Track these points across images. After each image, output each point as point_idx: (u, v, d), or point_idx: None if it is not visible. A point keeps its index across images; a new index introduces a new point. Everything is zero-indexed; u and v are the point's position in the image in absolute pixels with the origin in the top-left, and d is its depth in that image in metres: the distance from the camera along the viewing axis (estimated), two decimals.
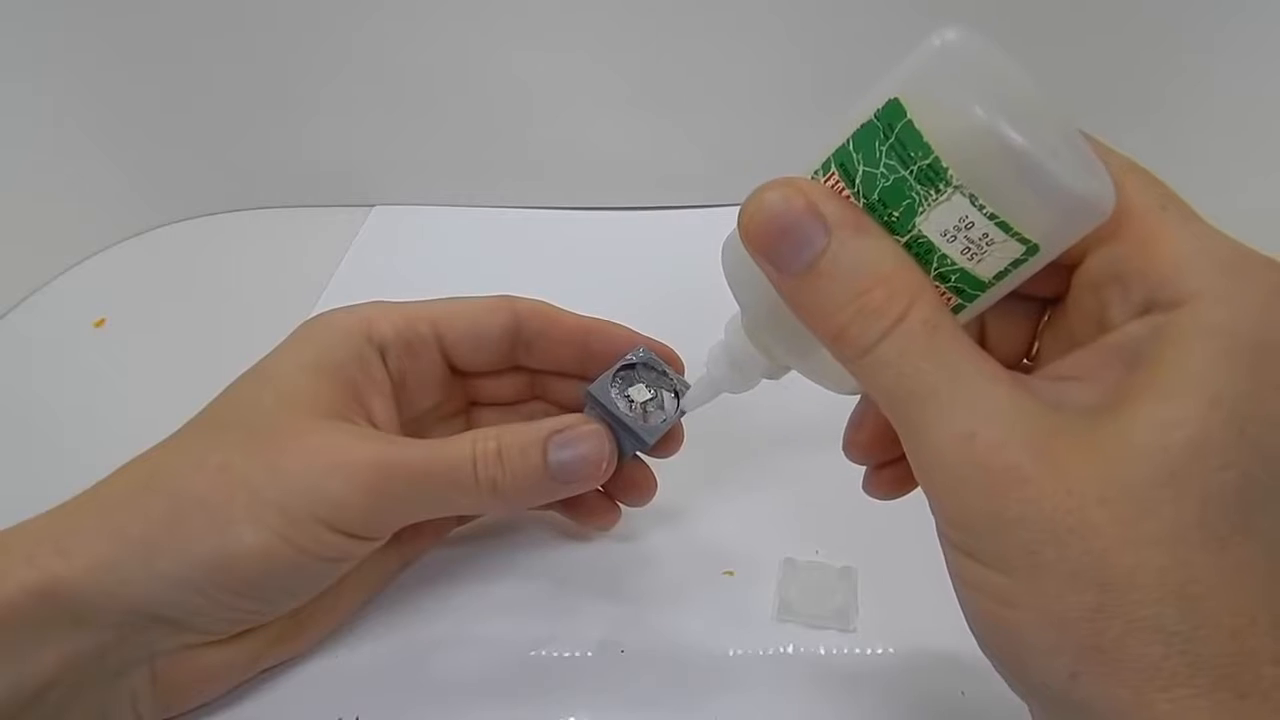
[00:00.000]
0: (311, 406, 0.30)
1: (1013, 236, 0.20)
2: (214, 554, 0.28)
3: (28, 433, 0.45)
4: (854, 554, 0.36)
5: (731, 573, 0.37)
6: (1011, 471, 0.19)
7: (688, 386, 0.33)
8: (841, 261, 0.20)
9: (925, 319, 0.20)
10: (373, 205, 0.59)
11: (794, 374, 0.28)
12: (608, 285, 0.45)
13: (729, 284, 0.25)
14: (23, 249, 0.53)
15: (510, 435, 0.31)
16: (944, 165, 0.20)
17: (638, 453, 0.34)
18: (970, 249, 0.20)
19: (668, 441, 0.35)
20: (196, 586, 0.28)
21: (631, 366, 0.34)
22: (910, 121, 0.20)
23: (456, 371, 0.36)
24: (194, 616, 0.29)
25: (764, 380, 0.29)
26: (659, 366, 0.34)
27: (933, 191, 0.20)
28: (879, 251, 0.21)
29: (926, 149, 0.20)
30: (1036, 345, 0.25)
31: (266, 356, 0.32)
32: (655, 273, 0.50)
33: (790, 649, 0.34)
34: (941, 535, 0.21)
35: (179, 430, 0.31)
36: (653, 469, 0.36)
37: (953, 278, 0.21)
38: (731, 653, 0.34)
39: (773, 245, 0.21)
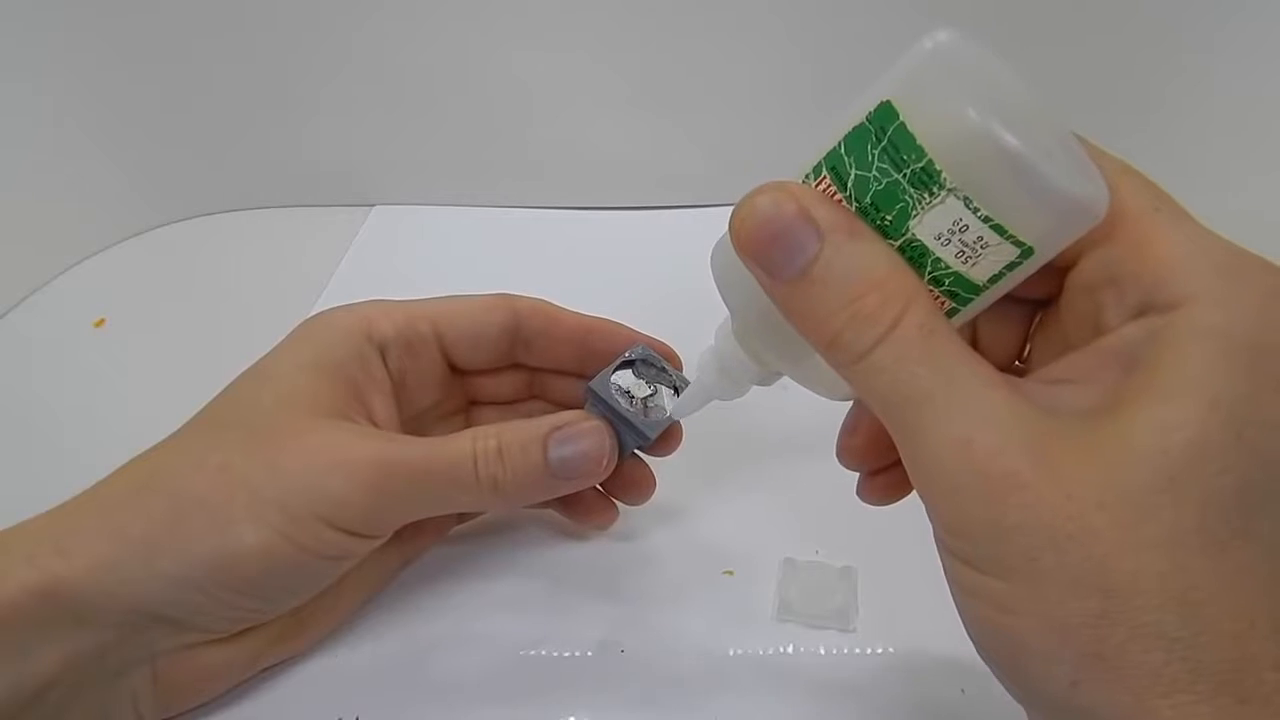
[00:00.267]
0: (312, 405, 0.30)
1: (1007, 239, 0.20)
2: (215, 553, 0.28)
3: (28, 433, 0.45)
4: (854, 554, 0.36)
5: (731, 573, 0.37)
6: (1010, 477, 0.19)
7: (687, 382, 0.33)
8: (835, 267, 0.20)
9: (920, 324, 0.20)
10: (373, 205, 0.59)
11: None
12: (607, 285, 0.45)
13: (718, 289, 0.25)
14: (23, 249, 0.53)
15: (511, 432, 0.31)
16: (938, 168, 0.20)
17: (636, 451, 0.34)
18: (964, 252, 0.20)
19: (667, 440, 0.35)
20: (197, 586, 0.28)
21: (631, 363, 0.34)
22: (903, 124, 0.20)
23: (456, 370, 0.36)
24: (195, 616, 0.29)
25: (755, 387, 0.29)
26: (658, 363, 0.34)
27: (926, 195, 0.20)
28: (872, 256, 0.20)
29: (920, 152, 0.20)
30: (1028, 348, 0.25)
31: (266, 356, 0.32)
32: (655, 272, 0.50)
33: (790, 649, 0.34)
34: (939, 541, 0.21)
35: (179, 430, 0.31)
36: (652, 468, 0.36)
37: (947, 281, 0.21)
38: (731, 653, 0.34)
39: (764, 251, 0.21)
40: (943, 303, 0.21)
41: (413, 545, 0.36)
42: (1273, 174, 0.50)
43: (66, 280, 0.55)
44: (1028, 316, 0.25)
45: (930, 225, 0.20)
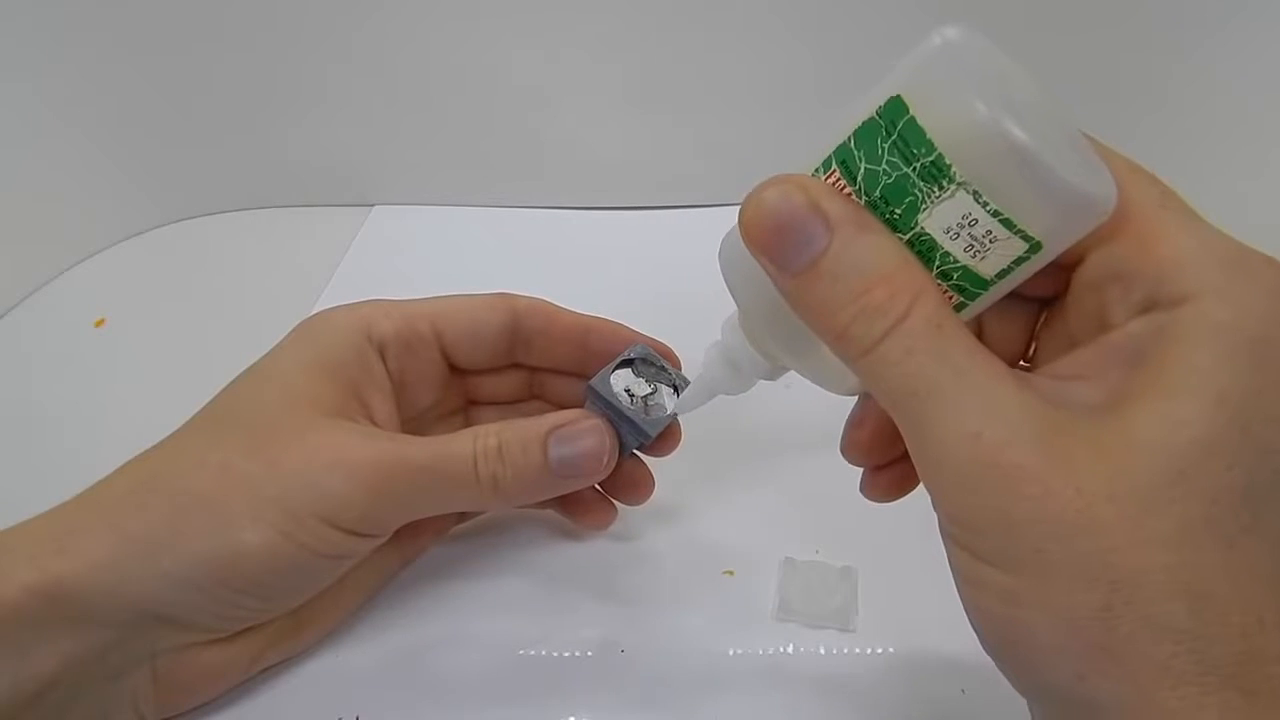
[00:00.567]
0: (312, 404, 0.30)
1: (1016, 234, 0.20)
2: (216, 552, 0.28)
3: (28, 433, 0.45)
4: (854, 554, 0.36)
5: (731, 572, 0.37)
6: (1019, 470, 0.19)
7: (687, 382, 0.33)
8: (844, 260, 0.20)
9: (929, 317, 0.20)
10: (372, 205, 0.59)
11: (794, 373, 0.27)
12: (607, 285, 0.45)
13: (726, 283, 0.25)
14: (23, 249, 0.53)
15: (511, 431, 0.31)
16: (947, 162, 0.20)
17: (635, 451, 0.34)
18: (973, 246, 0.20)
19: (666, 440, 0.35)
20: (198, 585, 0.28)
21: (631, 362, 0.34)
22: (913, 118, 0.20)
23: (455, 370, 0.36)
24: (195, 615, 0.29)
25: (761, 381, 0.29)
26: (658, 362, 0.34)
27: (936, 189, 0.20)
28: (881, 249, 0.20)
29: (930, 146, 0.20)
30: (1034, 346, 0.25)
31: (266, 355, 0.33)
32: (655, 273, 0.50)
33: (790, 649, 0.34)
34: (945, 534, 0.21)
35: (179, 429, 0.31)
36: (651, 468, 0.36)
37: (955, 275, 0.21)
38: (731, 653, 0.34)
39: (774, 243, 0.21)
40: (951, 297, 0.21)
41: (412, 545, 0.36)
42: (1272, 174, 0.50)
43: (66, 280, 0.55)
44: (1033, 314, 0.25)
45: (939, 219, 0.20)
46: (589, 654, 0.34)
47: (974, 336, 0.21)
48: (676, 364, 0.35)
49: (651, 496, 0.36)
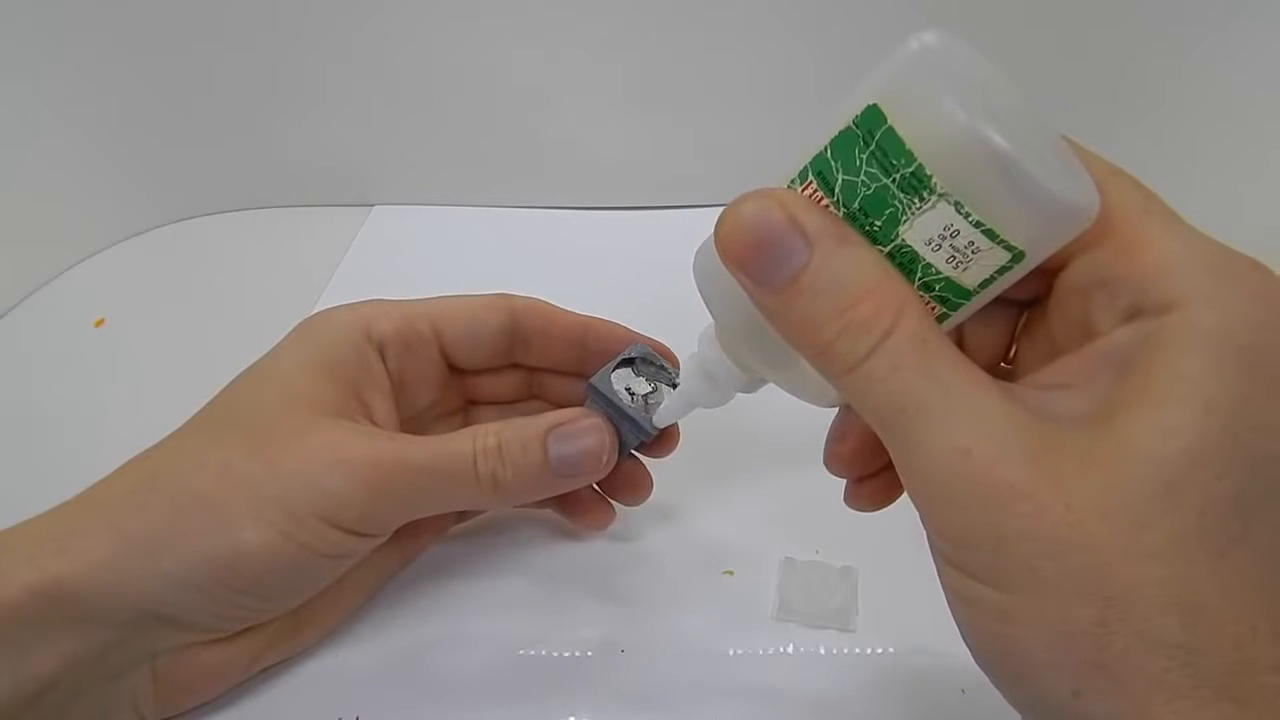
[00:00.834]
0: (312, 404, 0.30)
1: (998, 244, 0.20)
2: (216, 552, 0.28)
3: (28, 433, 0.45)
4: (854, 554, 0.36)
5: (731, 572, 0.37)
6: (1010, 487, 0.19)
7: None
8: (824, 275, 0.20)
9: (914, 332, 0.20)
10: (372, 205, 0.59)
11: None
12: (607, 285, 0.45)
13: (702, 295, 0.24)
14: (23, 249, 0.53)
15: (511, 430, 0.31)
16: (928, 173, 0.19)
17: (634, 451, 0.34)
18: (955, 257, 0.20)
19: (665, 440, 0.35)
20: (198, 585, 0.28)
21: (631, 361, 0.34)
22: (892, 128, 0.19)
23: (455, 369, 0.36)
24: (196, 615, 0.29)
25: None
26: (657, 361, 0.34)
27: (916, 200, 0.20)
28: (863, 263, 0.20)
29: (909, 156, 0.19)
30: (1014, 349, 0.25)
31: (266, 355, 0.33)
32: (654, 273, 0.49)
33: (790, 649, 0.34)
34: (935, 550, 0.21)
35: (179, 429, 0.31)
36: (651, 469, 0.36)
37: (937, 287, 0.21)
38: (731, 653, 0.34)
39: (752, 260, 0.20)
40: (933, 308, 0.21)
41: (412, 545, 0.36)
42: (1272, 174, 0.50)
43: (66, 280, 0.55)
44: (1014, 317, 0.24)
45: (920, 231, 0.20)
46: (589, 654, 0.34)
47: (958, 350, 0.20)
48: (676, 364, 0.35)
49: (651, 497, 0.36)
